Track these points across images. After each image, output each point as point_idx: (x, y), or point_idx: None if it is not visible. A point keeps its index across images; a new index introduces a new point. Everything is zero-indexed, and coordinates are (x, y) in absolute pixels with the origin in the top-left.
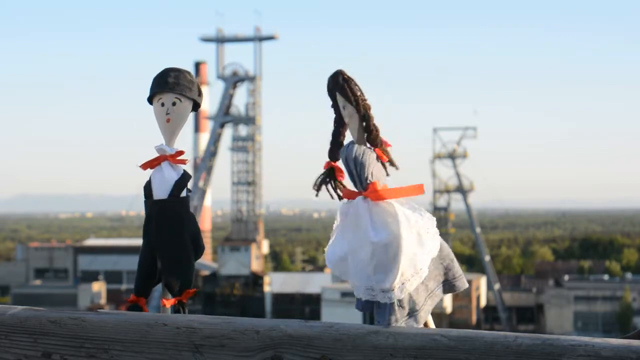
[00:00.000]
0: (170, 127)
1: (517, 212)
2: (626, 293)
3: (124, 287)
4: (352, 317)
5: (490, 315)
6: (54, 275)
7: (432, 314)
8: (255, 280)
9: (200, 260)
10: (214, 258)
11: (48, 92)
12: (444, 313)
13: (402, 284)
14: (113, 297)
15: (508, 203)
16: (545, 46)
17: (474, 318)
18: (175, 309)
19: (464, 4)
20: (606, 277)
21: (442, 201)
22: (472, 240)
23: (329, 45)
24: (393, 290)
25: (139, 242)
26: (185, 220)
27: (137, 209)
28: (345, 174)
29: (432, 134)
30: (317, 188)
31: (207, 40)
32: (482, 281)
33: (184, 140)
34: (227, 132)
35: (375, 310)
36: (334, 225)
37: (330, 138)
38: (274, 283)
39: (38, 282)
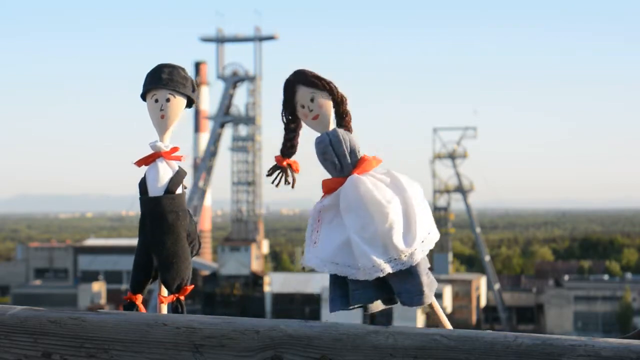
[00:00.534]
0: (164, 123)
1: (517, 212)
2: (626, 293)
3: (124, 287)
4: (352, 317)
5: (490, 315)
6: (54, 275)
7: (432, 314)
8: (255, 280)
9: (200, 260)
10: (214, 258)
11: (48, 92)
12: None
13: (422, 242)
14: (113, 297)
15: (508, 203)
16: (545, 46)
17: (474, 318)
18: (173, 306)
19: (464, 4)
20: (606, 277)
21: (442, 201)
22: (472, 240)
23: (329, 45)
24: (415, 251)
25: None
26: (180, 217)
27: (137, 209)
28: (319, 164)
29: (432, 134)
30: (273, 177)
31: (207, 40)
32: (482, 281)
33: (184, 141)
34: (227, 132)
35: (399, 280)
36: (308, 231)
37: (285, 135)
38: (274, 283)
39: (38, 282)
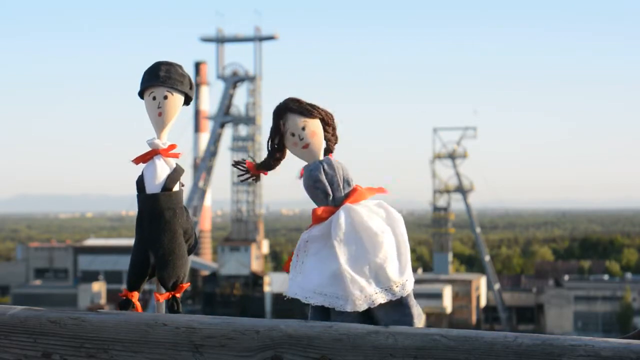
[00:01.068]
0: (161, 120)
1: (517, 212)
2: (626, 293)
3: (123, 287)
4: None
5: (490, 315)
6: (54, 275)
7: (432, 314)
8: (255, 280)
9: (200, 260)
10: (214, 258)
11: (48, 92)
12: (444, 313)
13: (411, 274)
14: (113, 297)
15: (508, 203)
16: (545, 46)
17: (474, 318)
18: (169, 304)
19: (464, 4)
20: (606, 277)
21: (442, 201)
22: (472, 240)
23: (329, 45)
24: (407, 282)
25: None
26: (177, 214)
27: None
28: (306, 195)
29: (432, 134)
30: (242, 175)
31: (207, 40)
32: (482, 281)
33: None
34: (227, 132)
35: (386, 311)
36: (293, 261)
37: (266, 159)
38: (274, 283)
39: (38, 282)
